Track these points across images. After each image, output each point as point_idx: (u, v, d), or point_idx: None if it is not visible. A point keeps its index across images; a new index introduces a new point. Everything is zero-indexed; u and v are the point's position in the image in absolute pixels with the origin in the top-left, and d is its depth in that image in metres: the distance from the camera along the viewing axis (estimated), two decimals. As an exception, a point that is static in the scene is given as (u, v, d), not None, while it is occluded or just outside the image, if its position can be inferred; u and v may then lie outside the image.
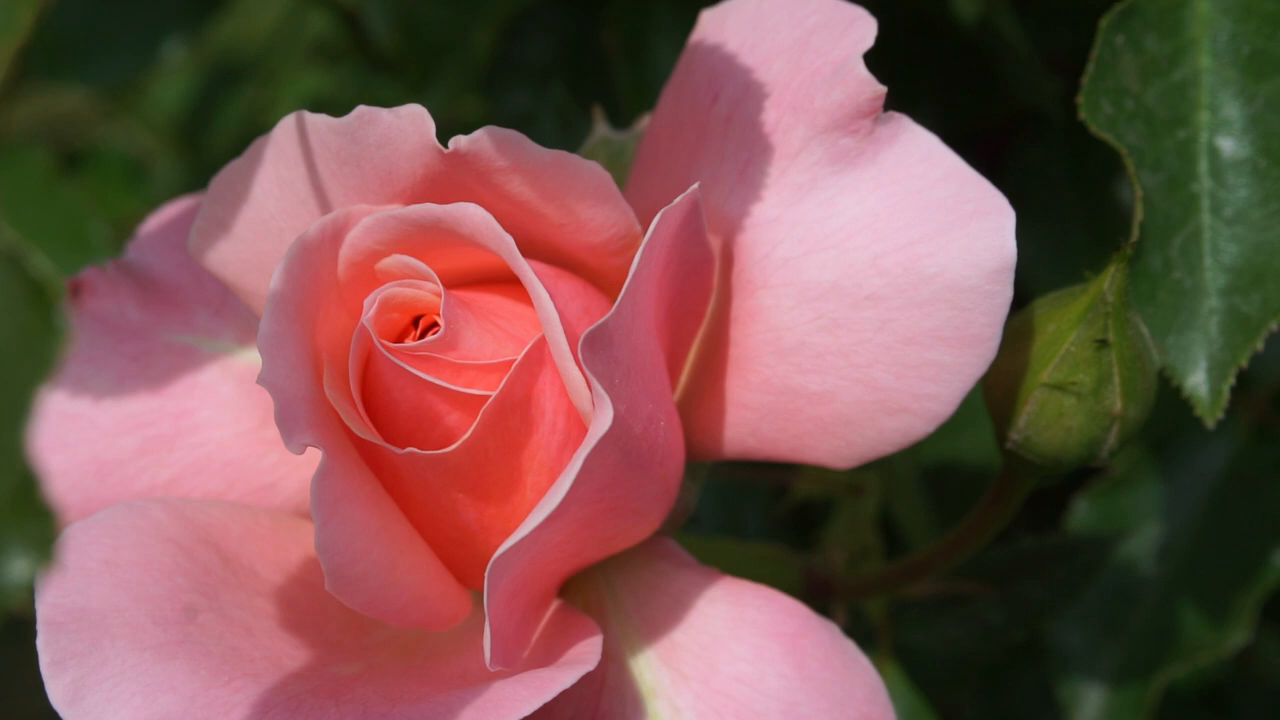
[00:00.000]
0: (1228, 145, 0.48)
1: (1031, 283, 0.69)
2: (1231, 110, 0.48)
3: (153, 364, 0.47)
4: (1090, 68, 0.49)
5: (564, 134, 0.70)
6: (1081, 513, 0.64)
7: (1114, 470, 0.64)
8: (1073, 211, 0.73)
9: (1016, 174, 0.73)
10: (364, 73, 1.11)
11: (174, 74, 1.19)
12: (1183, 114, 0.48)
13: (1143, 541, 0.63)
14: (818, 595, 0.58)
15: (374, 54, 1.03)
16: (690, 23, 0.77)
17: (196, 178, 1.10)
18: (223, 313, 0.48)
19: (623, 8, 0.75)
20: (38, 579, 0.26)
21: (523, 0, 0.81)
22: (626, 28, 0.75)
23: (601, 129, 0.51)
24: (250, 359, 0.47)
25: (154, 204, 1.13)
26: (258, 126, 1.09)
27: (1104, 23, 0.49)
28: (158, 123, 1.18)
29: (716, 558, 0.51)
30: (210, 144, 1.14)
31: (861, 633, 0.60)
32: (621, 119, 0.73)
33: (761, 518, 0.73)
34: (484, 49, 0.84)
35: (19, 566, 0.26)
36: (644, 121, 0.50)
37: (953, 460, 0.72)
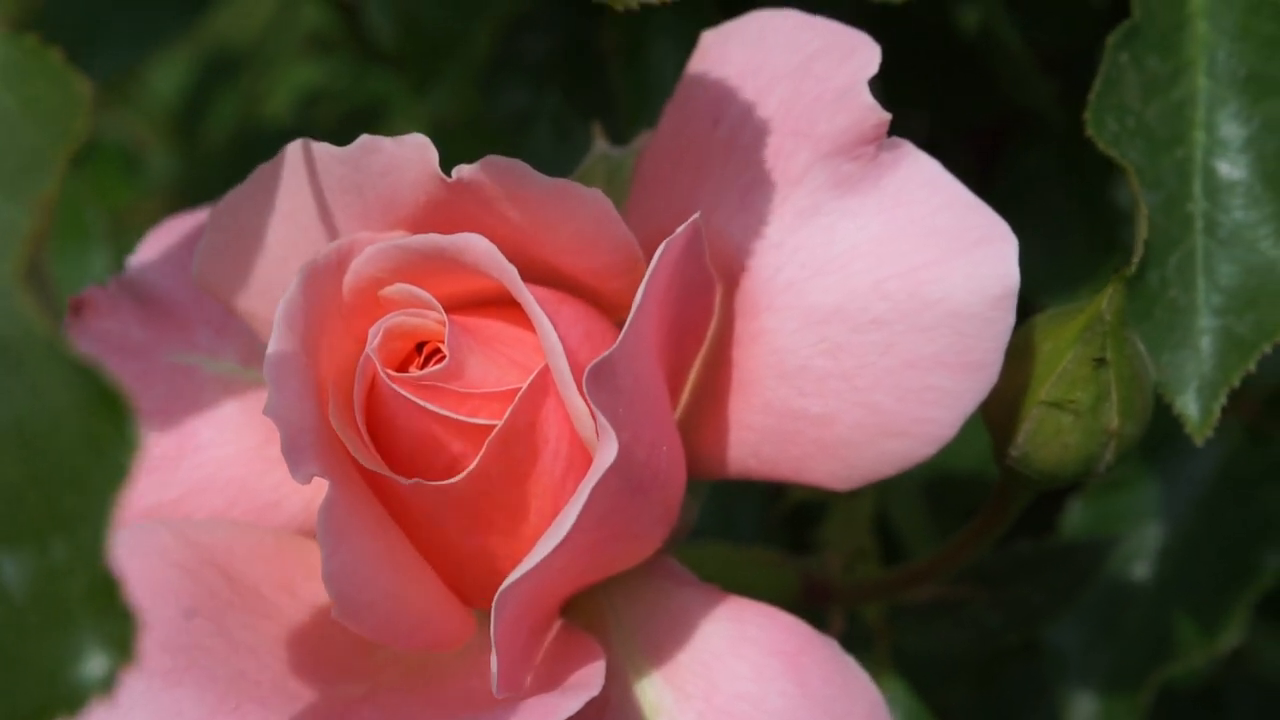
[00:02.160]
0: (1224, 166, 0.48)
1: (1027, 284, 0.69)
2: (1228, 131, 0.49)
3: (155, 384, 0.47)
4: (1097, 84, 0.49)
5: (560, 141, 0.70)
6: (1076, 515, 0.65)
7: (1108, 473, 0.64)
8: (1068, 214, 0.73)
9: (1012, 176, 0.73)
10: (358, 64, 1.11)
11: (170, 65, 1.19)
12: (1180, 133, 0.49)
13: (1136, 544, 0.64)
14: (815, 600, 0.59)
15: (368, 45, 1.03)
16: (689, 27, 0.77)
17: (191, 168, 1.11)
18: (224, 332, 0.48)
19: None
20: (115, 679, 0.27)
21: (523, 0, 0.81)
22: (625, 30, 0.75)
23: (600, 145, 0.51)
24: (252, 378, 0.48)
25: (150, 194, 1.13)
26: (253, 117, 1.10)
27: (1111, 40, 0.50)
28: (153, 113, 1.18)
29: (713, 563, 0.52)
30: (205, 135, 1.14)
31: (859, 637, 0.61)
32: (619, 121, 0.73)
33: (755, 519, 0.74)
34: (483, 48, 0.84)
35: (99, 664, 0.27)
36: (642, 138, 0.50)
37: (947, 463, 0.72)
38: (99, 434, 0.27)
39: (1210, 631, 0.61)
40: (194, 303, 0.48)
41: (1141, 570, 0.64)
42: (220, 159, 1.06)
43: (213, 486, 0.46)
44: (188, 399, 0.47)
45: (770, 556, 0.59)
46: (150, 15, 0.98)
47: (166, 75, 1.21)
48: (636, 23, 0.76)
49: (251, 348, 0.48)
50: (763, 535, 0.72)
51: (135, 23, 0.99)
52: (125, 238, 0.96)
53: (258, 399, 0.47)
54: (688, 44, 0.77)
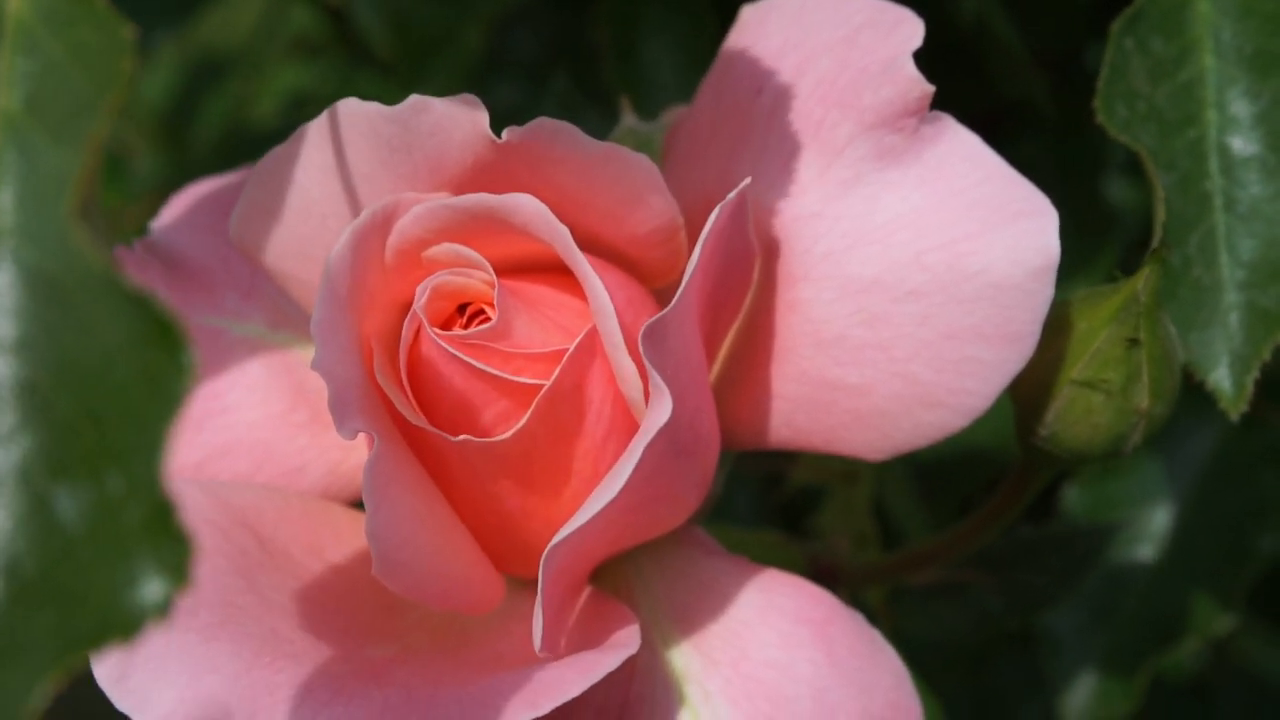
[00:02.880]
0: (1237, 143, 0.49)
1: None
2: (1239, 108, 0.50)
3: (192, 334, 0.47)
4: (1104, 71, 0.50)
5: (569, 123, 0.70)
6: (1074, 498, 0.66)
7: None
8: (1060, 207, 0.74)
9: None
10: (346, 67, 1.10)
11: (156, 69, 1.18)
12: (1191, 114, 0.50)
13: (1134, 527, 0.65)
14: (822, 582, 0.59)
15: (356, 48, 1.03)
16: (680, 20, 0.77)
17: (179, 172, 1.10)
18: (251, 295, 0.48)
19: (612, 7, 0.75)
20: (171, 603, 0.27)
21: (512, -2, 0.81)
22: (616, 26, 0.76)
23: (629, 119, 0.51)
24: (280, 342, 0.48)
25: (137, 199, 1.13)
26: (240, 120, 1.09)
27: (1115, 27, 0.51)
28: (140, 117, 1.17)
29: (723, 543, 0.52)
30: (192, 139, 1.13)
31: (862, 618, 0.61)
32: (612, 116, 0.73)
33: (753, 504, 0.74)
34: (474, 47, 0.84)
35: (155, 589, 0.27)
36: (671, 114, 0.50)
37: (944, 449, 0.73)
38: (153, 365, 0.28)
39: (1207, 615, 0.62)
40: (220, 266, 0.48)
41: (1137, 554, 0.64)
42: (208, 162, 1.05)
43: (239, 449, 0.46)
44: (215, 361, 0.47)
45: (778, 539, 0.59)
46: (137, 19, 0.97)
47: (153, 79, 1.20)
48: (628, 18, 0.76)
49: (279, 311, 0.48)
50: (758, 521, 0.72)
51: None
52: (114, 240, 0.95)
53: (285, 363, 0.47)
54: (678, 39, 0.78)
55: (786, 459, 0.67)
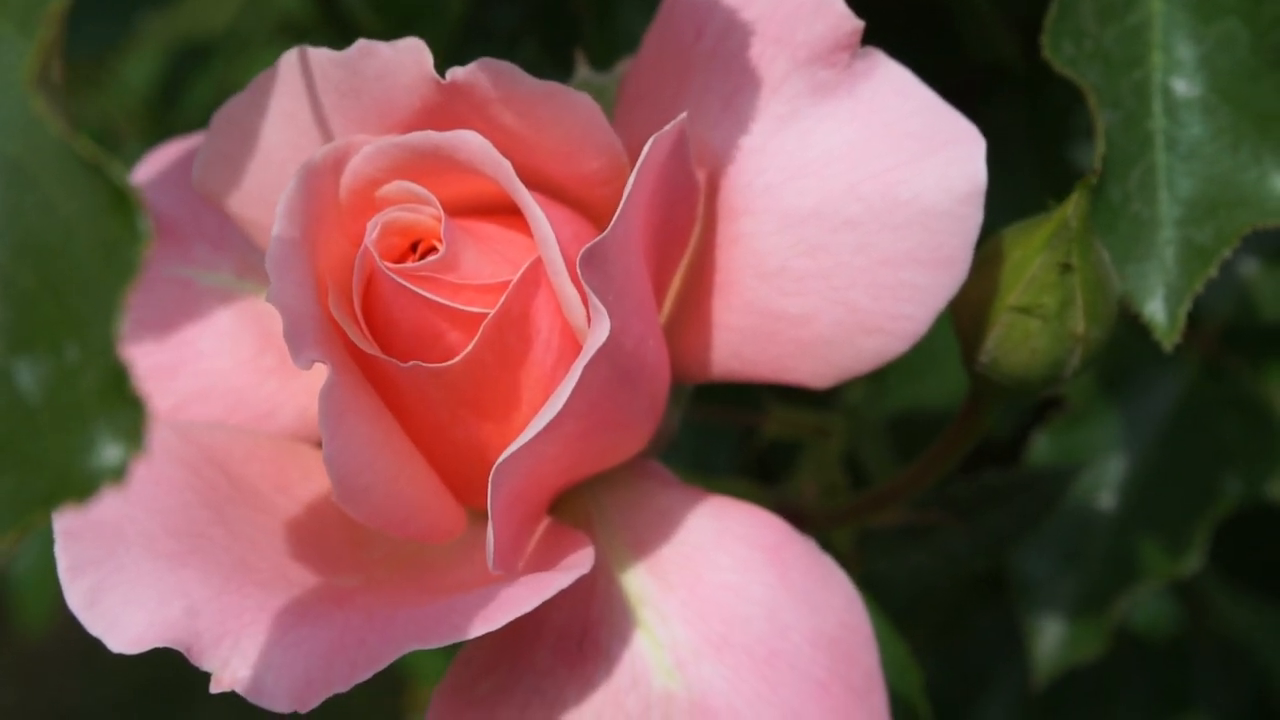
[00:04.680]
0: (1180, 85, 0.51)
1: (991, 232, 0.71)
2: (1184, 51, 0.51)
3: (153, 295, 0.49)
4: (1053, 8, 0.51)
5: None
6: (1042, 448, 0.67)
7: (1072, 407, 0.66)
8: (1029, 169, 0.75)
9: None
10: (333, 48, 1.11)
11: (141, 52, 1.19)
12: (1138, 55, 0.51)
13: (1100, 474, 0.66)
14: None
15: (343, 27, 1.04)
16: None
17: (165, 155, 1.11)
18: (221, 247, 0.50)
19: (589, -28, 0.77)
20: (129, 465, 0.28)
21: (493, -32, 0.83)
22: (594, -5, 0.77)
23: (583, 71, 0.53)
24: (248, 290, 0.49)
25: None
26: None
27: None
28: (126, 101, 1.19)
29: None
30: (179, 122, 1.14)
31: (830, 563, 0.63)
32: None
33: (730, 459, 0.75)
34: (455, 17, 0.85)
35: (111, 453, 0.28)
36: (624, 65, 0.52)
37: (916, 404, 0.74)
38: (110, 233, 0.28)
39: (1172, 556, 0.63)
40: (191, 220, 0.50)
41: (1105, 500, 0.66)
42: (194, 146, 1.06)
43: (211, 395, 0.48)
44: (185, 311, 0.49)
45: (745, 485, 0.60)
46: (122, 2, 0.99)
47: (138, 63, 1.21)
48: (607, -13, 0.77)
49: (247, 261, 0.49)
50: (736, 475, 0.74)
51: (106, 8, 1.00)
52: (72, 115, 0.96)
53: (253, 310, 0.49)
54: (657, 6, 0.79)
55: (759, 412, 0.69)
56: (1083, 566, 0.65)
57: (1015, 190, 0.75)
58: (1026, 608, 0.66)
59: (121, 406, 0.28)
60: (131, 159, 1.17)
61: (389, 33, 0.87)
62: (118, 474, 0.28)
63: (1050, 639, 0.65)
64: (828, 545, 0.63)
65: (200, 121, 1.15)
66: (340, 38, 1.08)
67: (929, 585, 0.73)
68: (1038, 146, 0.76)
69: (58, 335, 0.28)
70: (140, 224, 0.28)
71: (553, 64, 0.71)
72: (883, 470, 0.72)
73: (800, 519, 0.60)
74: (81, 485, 0.28)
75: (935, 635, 0.79)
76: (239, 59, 1.12)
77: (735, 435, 0.74)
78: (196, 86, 1.15)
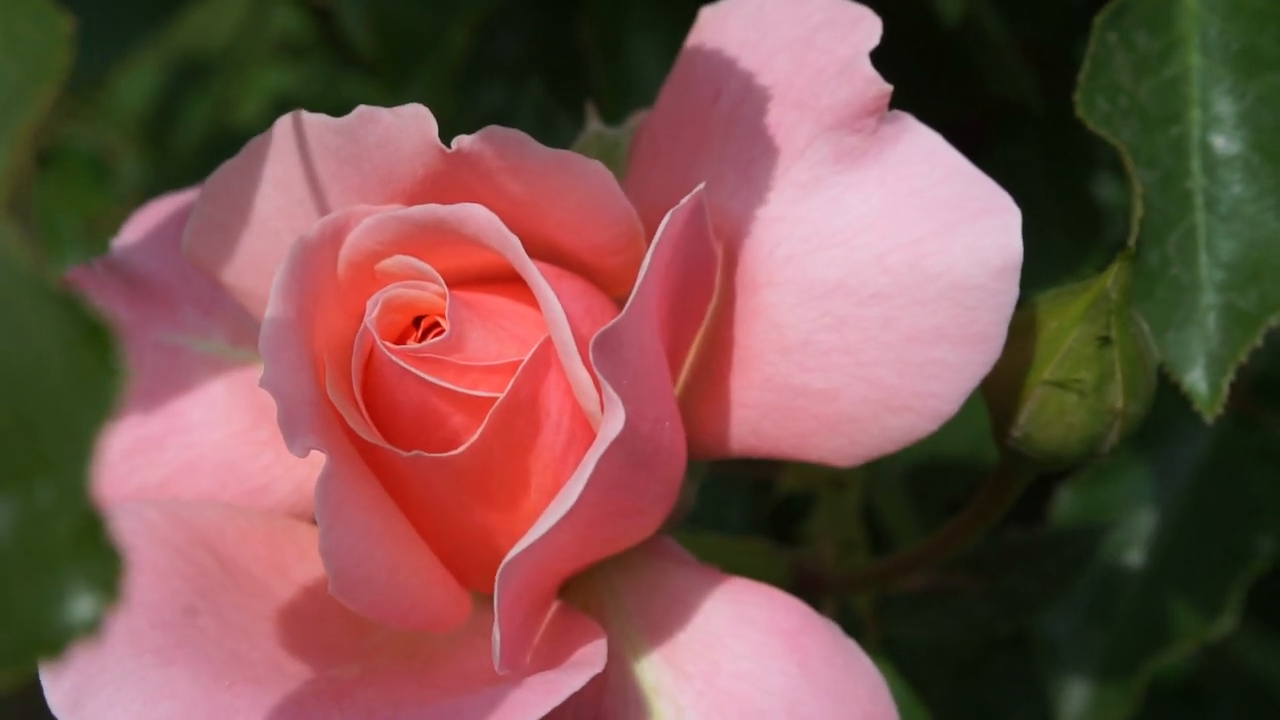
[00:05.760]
0: (1220, 141, 0.48)
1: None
2: (1223, 106, 0.49)
3: (142, 364, 0.47)
4: (1086, 65, 0.49)
5: (543, 130, 0.69)
6: (1066, 503, 0.65)
7: (1103, 458, 0.64)
8: (1049, 206, 0.73)
9: (994, 169, 0.73)
10: (330, 68, 1.10)
11: (138, 71, 1.18)
12: (1175, 111, 0.49)
13: (1127, 530, 0.64)
14: (807, 590, 0.58)
15: (341, 49, 1.03)
16: (667, 20, 0.77)
17: (162, 175, 1.10)
18: (212, 312, 0.47)
19: (599, 6, 0.75)
20: (103, 619, 0.26)
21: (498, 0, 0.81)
22: (603, 26, 0.75)
23: (594, 125, 0.50)
24: (241, 359, 0.47)
25: (121, 202, 1.13)
26: (223, 124, 1.09)
27: (1098, 20, 0.50)
28: (123, 121, 1.17)
29: (704, 552, 0.51)
30: (175, 141, 1.13)
31: (849, 626, 0.60)
32: (600, 117, 0.73)
33: (744, 512, 0.73)
34: (459, 48, 0.84)
35: (83, 606, 0.26)
36: (637, 118, 0.50)
37: (934, 454, 0.72)
38: (84, 370, 0.27)
39: (1204, 617, 0.61)
40: (181, 282, 0.47)
41: (1132, 557, 0.63)
42: (191, 165, 1.05)
43: (202, 468, 0.46)
44: (176, 379, 0.46)
45: (761, 546, 0.58)
46: (118, 21, 0.97)
47: (135, 82, 1.20)
48: (614, 19, 0.76)
49: (240, 327, 0.47)
50: (750, 529, 0.72)
51: (103, 29, 0.98)
52: (97, 244, 0.95)
53: (247, 380, 0.46)
54: (665, 38, 0.77)
55: (774, 466, 0.66)
56: (1110, 626, 0.63)
57: (1033, 227, 0.72)
58: (1051, 667, 0.64)
59: (96, 555, 0.26)
60: (127, 179, 1.15)
61: (390, 59, 0.86)
62: (91, 629, 0.26)
63: (1076, 701, 0.63)
64: (846, 609, 0.61)
65: (196, 142, 1.13)
66: (338, 60, 1.06)
67: (951, 648, 0.71)
68: (1056, 182, 0.74)
69: (29, 474, 0.26)
70: (115, 361, 0.26)
71: (559, 103, 0.69)
72: (900, 523, 0.70)
73: (819, 583, 0.58)
74: (53, 641, 0.25)
75: (950, 683, 0.77)
76: (236, 79, 1.11)
77: (748, 488, 0.72)
78: (193, 106, 1.13)
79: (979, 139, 0.77)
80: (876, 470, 0.69)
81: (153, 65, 1.18)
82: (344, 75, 1.08)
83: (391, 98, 0.89)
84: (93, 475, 0.26)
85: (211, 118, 1.10)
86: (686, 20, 0.75)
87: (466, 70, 0.86)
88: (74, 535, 0.26)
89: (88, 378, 0.26)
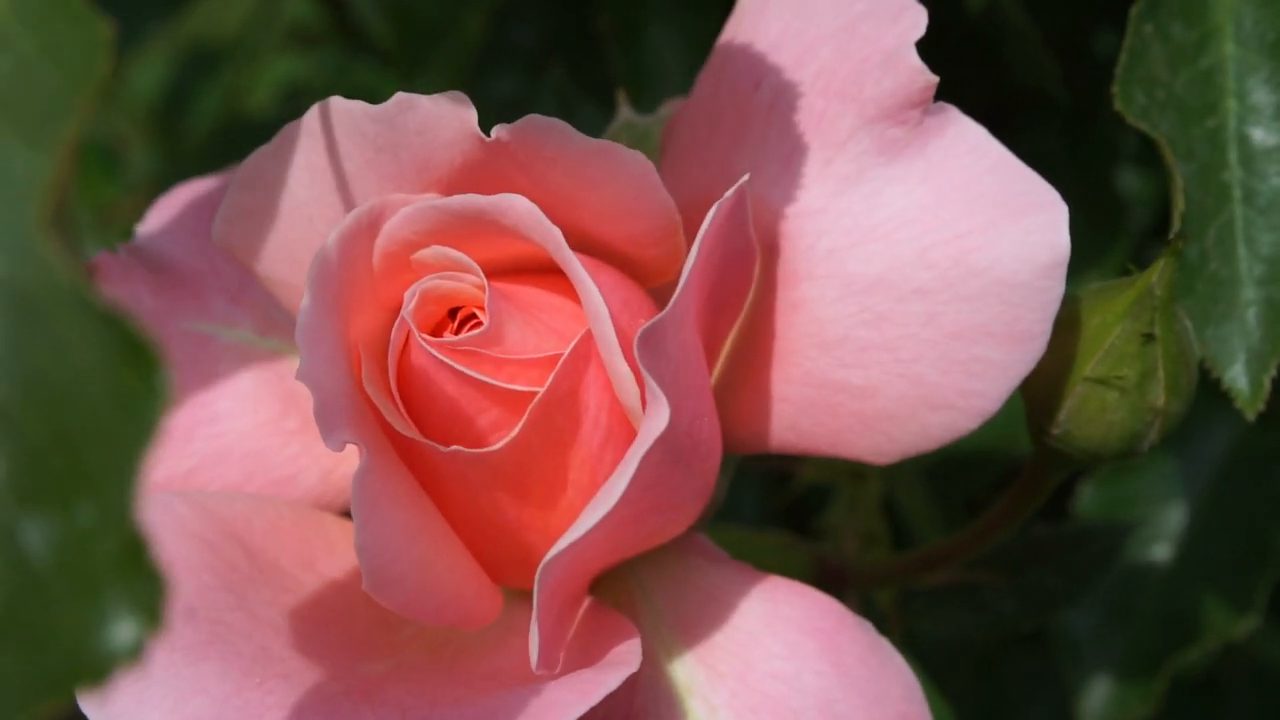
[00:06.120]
0: (1258, 133, 0.48)
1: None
2: (1260, 97, 0.48)
3: (168, 353, 0.46)
4: (1123, 57, 0.48)
5: (566, 118, 0.69)
6: (1088, 498, 0.64)
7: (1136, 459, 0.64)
8: (1072, 198, 0.72)
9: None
10: (342, 56, 1.09)
11: (150, 60, 1.17)
12: (1211, 102, 0.48)
13: (1149, 527, 0.63)
14: (830, 584, 0.57)
15: (353, 37, 1.02)
16: (686, 7, 0.76)
17: (173, 165, 1.09)
18: (240, 300, 0.47)
19: (617, -7, 0.74)
20: (146, 645, 0.25)
21: (513, -13, 0.80)
22: (621, 13, 0.74)
23: (625, 112, 0.50)
24: (269, 348, 0.46)
25: (132, 191, 1.12)
26: (234, 113, 1.08)
27: (1134, 11, 0.49)
28: (134, 110, 1.16)
29: (724, 545, 0.51)
30: (187, 131, 1.12)
31: (872, 621, 0.60)
32: (610, 108, 0.72)
33: (759, 503, 0.73)
34: (474, 36, 0.83)
35: (125, 631, 0.25)
36: (669, 106, 0.49)
37: (954, 447, 0.71)
38: (127, 388, 0.26)
39: (1228, 615, 0.61)
40: (208, 270, 0.47)
41: (1155, 553, 0.63)
42: (202, 154, 1.04)
43: (229, 459, 0.45)
44: (203, 369, 0.46)
45: (783, 540, 0.58)
46: (130, 10, 0.96)
47: (146, 71, 1.19)
48: (632, 6, 0.75)
49: (268, 316, 0.46)
50: (763, 520, 0.71)
51: (115, 18, 0.97)
52: (108, 234, 0.94)
53: (275, 369, 0.46)
54: (684, 25, 0.77)
55: (793, 457, 0.66)
56: (1132, 624, 0.63)
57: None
58: (1072, 664, 0.63)
59: (139, 577, 0.25)
60: (138, 168, 1.14)
61: (404, 47, 0.85)
62: (134, 654, 0.25)
63: (1097, 699, 0.63)
64: (869, 603, 0.61)
65: (207, 131, 1.13)
66: (350, 49, 1.05)
67: (968, 642, 0.70)
68: (1079, 173, 0.73)
69: (70, 493, 0.25)
70: (159, 381, 0.25)
71: (580, 91, 0.68)
72: (920, 517, 0.70)
73: (842, 577, 0.58)
74: (94, 668, 0.25)
75: (969, 678, 0.76)
76: (247, 68, 1.10)
77: (765, 479, 0.71)
78: (204, 95, 1.13)
79: (1001, 130, 0.76)
80: (896, 463, 0.68)
81: (164, 54, 1.18)
82: (356, 64, 1.07)
83: (405, 86, 0.88)
84: (136, 496, 0.25)
85: (223, 107, 1.10)
86: (705, 7, 0.75)
87: (481, 58, 0.85)
88: (116, 557, 0.25)
89: (130, 397, 0.25)
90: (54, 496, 0.26)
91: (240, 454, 0.45)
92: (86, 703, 0.38)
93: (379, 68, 1.02)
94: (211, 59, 1.11)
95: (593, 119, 0.62)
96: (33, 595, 0.25)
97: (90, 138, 1.11)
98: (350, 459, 0.45)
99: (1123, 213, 0.72)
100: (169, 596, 0.25)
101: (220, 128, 1.05)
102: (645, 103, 0.65)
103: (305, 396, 0.45)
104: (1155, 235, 0.78)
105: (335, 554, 0.43)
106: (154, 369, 0.26)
